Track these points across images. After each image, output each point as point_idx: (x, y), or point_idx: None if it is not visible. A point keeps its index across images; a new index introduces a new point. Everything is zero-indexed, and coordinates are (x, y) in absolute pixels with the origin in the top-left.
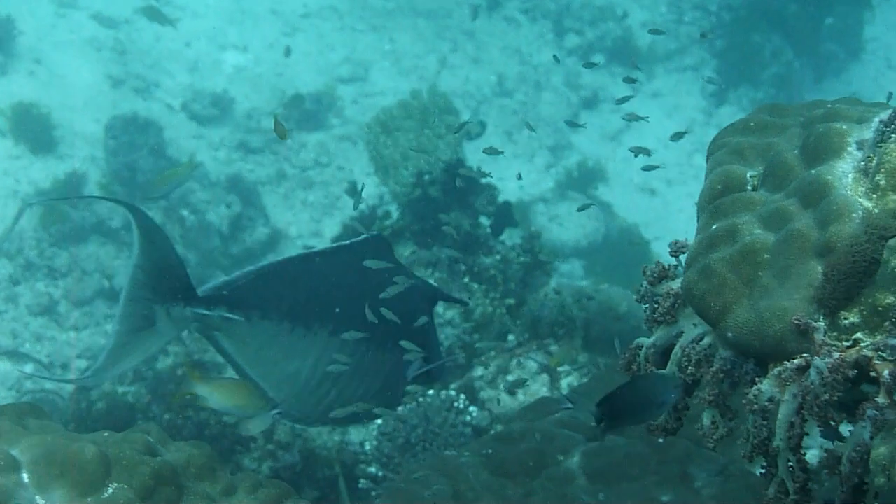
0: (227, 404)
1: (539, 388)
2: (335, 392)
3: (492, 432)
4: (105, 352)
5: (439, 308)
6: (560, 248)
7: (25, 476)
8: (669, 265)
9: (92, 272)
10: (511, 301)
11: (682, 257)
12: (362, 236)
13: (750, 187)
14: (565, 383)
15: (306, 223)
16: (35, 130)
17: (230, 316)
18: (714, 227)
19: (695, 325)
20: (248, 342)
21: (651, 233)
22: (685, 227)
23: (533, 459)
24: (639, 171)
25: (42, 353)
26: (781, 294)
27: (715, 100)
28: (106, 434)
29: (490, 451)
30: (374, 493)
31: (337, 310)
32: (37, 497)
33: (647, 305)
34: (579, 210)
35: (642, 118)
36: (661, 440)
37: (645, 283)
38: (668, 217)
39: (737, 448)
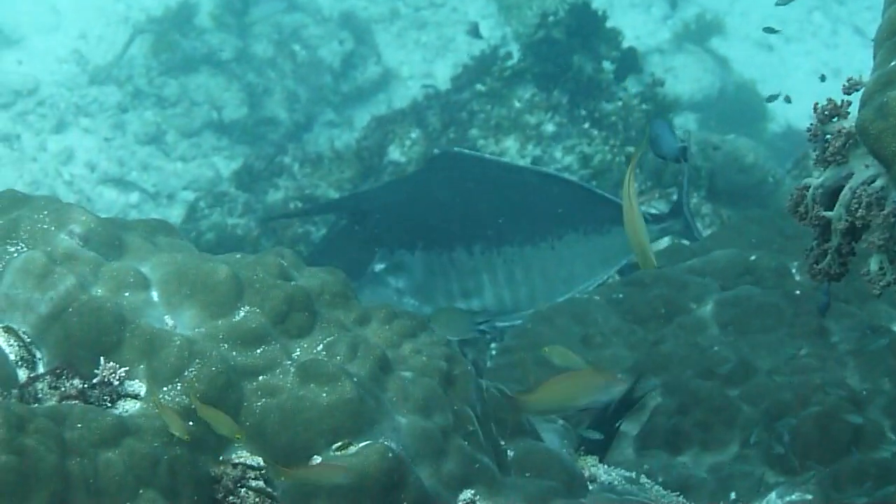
0: None
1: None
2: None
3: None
4: None
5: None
6: (675, 101)
7: (155, 294)
8: (842, 101)
9: (201, 103)
10: (632, 149)
11: (856, 94)
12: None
13: None
14: None
15: (418, 64)
16: None
17: None
18: (894, 62)
19: (867, 165)
20: None
21: (767, 89)
22: (802, 84)
23: (665, 306)
24: (757, 27)
25: (148, 182)
26: None
27: None
28: (238, 256)
29: (621, 295)
30: (488, 337)
31: None
32: (166, 317)
33: (816, 144)
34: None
35: None
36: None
37: (815, 121)
38: (786, 74)
39: (876, 303)
